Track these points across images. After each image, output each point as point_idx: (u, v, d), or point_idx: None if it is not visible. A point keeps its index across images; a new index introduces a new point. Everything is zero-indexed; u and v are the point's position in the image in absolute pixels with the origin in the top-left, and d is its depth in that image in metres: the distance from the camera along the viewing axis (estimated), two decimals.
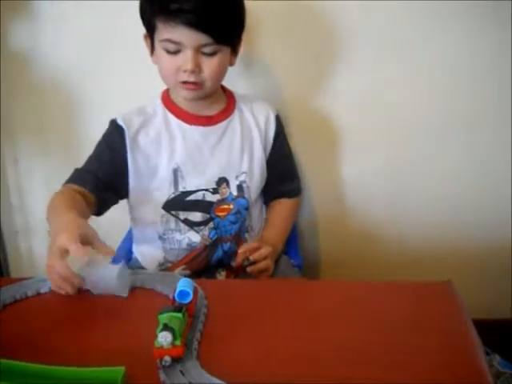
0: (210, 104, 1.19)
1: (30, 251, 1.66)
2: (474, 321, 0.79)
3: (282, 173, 1.30)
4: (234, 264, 1.18)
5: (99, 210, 1.12)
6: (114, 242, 1.31)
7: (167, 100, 1.19)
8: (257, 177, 1.24)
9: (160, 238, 1.20)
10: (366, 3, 1.31)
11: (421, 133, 1.45)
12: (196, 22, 1.02)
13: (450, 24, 1.34)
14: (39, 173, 1.57)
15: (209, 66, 1.08)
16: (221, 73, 1.13)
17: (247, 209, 1.23)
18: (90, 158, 1.17)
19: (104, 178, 1.13)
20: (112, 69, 1.42)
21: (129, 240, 1.34)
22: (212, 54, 1.07)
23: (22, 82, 1.46)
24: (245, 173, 1.21)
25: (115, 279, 0.81)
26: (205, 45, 1.05)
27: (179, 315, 0.70)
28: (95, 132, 1.46)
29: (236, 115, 1.22)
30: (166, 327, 0.67)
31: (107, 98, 1.45)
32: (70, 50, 1.42)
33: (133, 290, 0.87)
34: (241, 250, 1.13)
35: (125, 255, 1.30)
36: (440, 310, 0.80)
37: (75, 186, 1.09)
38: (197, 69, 1.07)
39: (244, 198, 1.21)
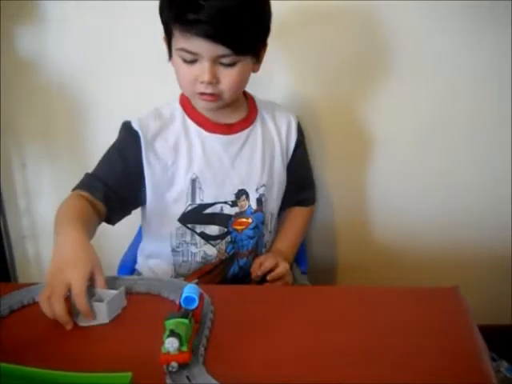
0: (231, 112, 1.13)
1: (38, 255, 1.67)
2: (480, 326, 0.78)
3: (298, 181, 1.27)
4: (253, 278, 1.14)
5: (110, 219, 1.08)
6: (119, 248, 1.32)
7: (187, 105, 1.13)
8: (276, 190, 1.19)
9: (173, 250, 1.15)
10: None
11: (440, 142, 1.46)
12: (213, 34, 0.96)
13: (449, 24, 1.35)
14: (46, 177, 1.58)
15: (227, 77, 1.02)
16: (241, 83, 1.07)
17: (263, 223, 1.18)
18: (102, 164, 1.11)
19: (116, 188, 1.07)
20: (117, 71, 1.42)
21: (133, 250, 1.30)
22: (231, 65, 1.01)
23: (28, 86, 1.47)
24: (264, 185, 1.16)
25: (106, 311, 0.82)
26: (223, 56, 0.99)
27: (186, 321, 0.70)
28: (101, 135, 1.47)
29: (258, 124, 1.17)
30: (172, 333, 0.67)
31: (113, 101, 1.46)
32: (76, 54, 1.42)
33: (139, 295, 0.88)
34: (255, 268, 1.11)
35: (131, 266, 1.26)
36: (446, 316, 0.80)
37: (84, 193, 1.04)
38: (214, 80, 1.01)
39: (262, 211, 1.17)
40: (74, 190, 1.07)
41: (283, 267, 1.10)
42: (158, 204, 1.12)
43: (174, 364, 0.67)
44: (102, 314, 0.81)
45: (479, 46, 1.36)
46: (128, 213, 1.12)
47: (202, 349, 0.72)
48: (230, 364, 0.71)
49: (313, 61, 1.39)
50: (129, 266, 1.26)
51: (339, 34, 1.37)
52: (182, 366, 0.68)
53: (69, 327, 0.80)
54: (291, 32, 1.35)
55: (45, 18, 1.39)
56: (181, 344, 0.67)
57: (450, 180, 1.49)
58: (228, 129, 1.13)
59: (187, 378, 0.67)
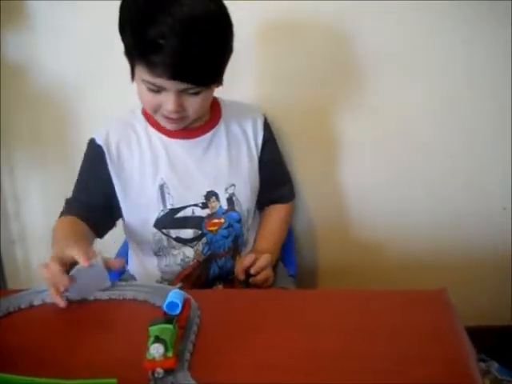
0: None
1: (27, 260, 1.66)
2: (472, 328, 0.79)
3: (272, 178, 1.28)
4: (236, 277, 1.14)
5: (99, 234, 1.13)
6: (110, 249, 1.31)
7: (148, 115, 1.14)
8: (247, 188, 1.20)
9: (155, 254, 1.18)
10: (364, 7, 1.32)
11: (421, 137, 1.46)
12: (176, 75, 0.96)
13: (451, 32, 1.35)
14: (35, 182, 1.58)
15: (192, 104, 1.04)
16: (206, 106, 1.10)
17: (240, 221, 1.20)
18: (78, 186, 1.17)
19: (96, 204, 1.13)
20: (108, 78, 1.42)
21: (124, 252, 1.32)
22: (196, 94, 1.03)
23: (19, 92, 1.46)
24: (233, 185, 1.17)
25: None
26: (187, 88, 1.01)
27: (170, 327, 0.69)
28: None
29: (221, 126, 1.19)
30: (157, 339, 0.66)
31: (103, 107, 1.45)
32: (66, 59, 1.42)
33: (124, 302, 0.87)
34: (238, 269, 1.11)
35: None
36: (433, 319, 0.80)
37: (69, 217, 1.10)
38: (180, 109, 1.03)
39: (235, 211, 1.18)
40: (59, 218, 1.12)
41: (264, 259, 1.10)
42: (132, 212, 1.17)
43: (160, 370, 0.67)
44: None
45: (478, 45, 1.36)
46: (113, 225, 1.19)
47: (187, 354, 0.72)
48: (215, 369, 0.71)
49: (284, 62, 1.40)
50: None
51: (311, 34, 1.37)
52: (168, 372, 0.67)
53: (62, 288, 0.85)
54: (261, 34, 1.36)
55: (35, 23, 1.39)
56: (166, 350, 0.66)
57: (450, 185, 1.50)
58: (190, 133, 1.15)
59: None
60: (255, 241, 1.25)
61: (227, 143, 1.18)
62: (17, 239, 1.64)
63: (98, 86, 1.44)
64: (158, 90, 1.01)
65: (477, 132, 1.44)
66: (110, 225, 1.17)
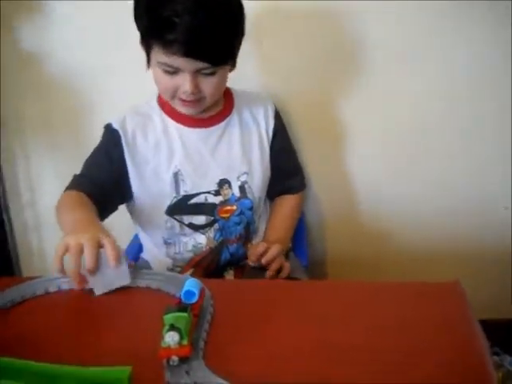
0: (209, 107, 1.16)
1: (41, 247, 1.67)
2: (484, 321, 0.78)
3: (283, 168, 1.29)
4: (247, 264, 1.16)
5: (101, 215, 1.09)
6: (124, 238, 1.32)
7: (164, 103, 1.17)
8: (258, 176, 1.22)
9: (165, 242, 1.20)
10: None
11: (429, 131, 1.45)
12: (191, 52, 0.99)
13: (452, 29, 1.35)
14: (49, 169, 1.59)
15: (208, 85, 1.06)
16: (221, 88, 1.12)
17: (251, 209, 1.21)
18: (88, 164, 1.16)
19: (103, 185, 1.12)
20: (120, 64, 1.42)
21: (134, 247, 1.33)
22: (211, 74, 1.05)
23: (31, 79, 1.47)
24: (246, 173, 1.20)
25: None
26: (203, 68, 1.03)
27: (185, 315, 0.70)
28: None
29: (234, 115, 1.21)
30: (172, 327, 0.67)
31: (115, 94, 1.46)
32: (78, 46, 1.43)
33: (138, 290, 0.88)
34: (251, 254, 1.12)
35: (136, 254, 1.30)
36: (447, 311, 0.80)
37: (74, 192, 1.08)
38: (196, 90, 1.05)
39: (247, 198, 1.20)
40: (68, 187, 1.11)
41: (274, 249, 1.12)
42: (145, 199, 1.17)
43: (175, 358, 0.67)
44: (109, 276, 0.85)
45: (478, 46, 1.35)
46: (115, 209, 1.17)
47: (201, 343, 0.72)
48: (229, 359, 0.71)
49: (299, 51, 1.39)
50: (134, 253, 1.31)
51: (317, 28, 1.36)
52: (182, 361, 0.67)
53: (80, 287, 0.85)
54: (265, 27, 1.35)
55: (47, 11, 1.39)
56: (181, 338, 0.67)
57: (447, 170, 1.50)
58: (205, 123, 1.18)
59: (186, 372, 0.67)
60: (266, 230, 1.26)
61: (240, 132, 1.21)
62: (31, 226, 1.65)
63: (110, 75, 1.44)
64: (174, 71, 1.03)
65: (474, 129, 1.44)
66: (114, 208, 1.16)
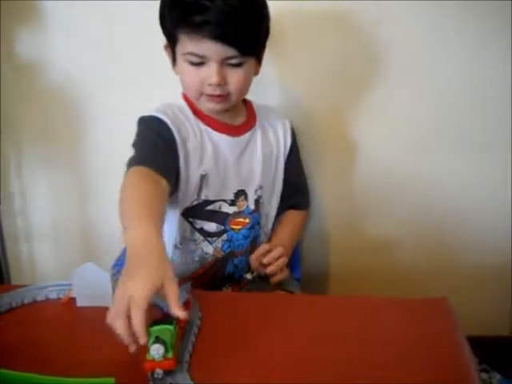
0: (234, 115, 1.16)
1: (31, 257, 1.66)
2: (474, 338, 0.78)
3: (293, 185, 1.28)
4: (246, 276, 1.14)
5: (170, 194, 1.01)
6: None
7: (192, 105, 1.14)
8: (273, 191, 1.23)
9: (176, 247, 1.16)
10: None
11: (433, 147, 1.45)
12: (221, 35, 0.98)
13: (451, 36, 1.35)
14: (42, 179, 1.57)
15: (234, 77, 1.04)
16: (246, 84, 1.10)
17: (259, 224, 1.21)
18: (143, 145, 1.04)
19: (167, 162, 1.02)
20: (117, 76, 1.43)
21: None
22: (237, 66, 1.03)
23: (28, 89, 1.47)
24: (262, 187, 1.19)
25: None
26: (230, 57, 1.02)
27: (171, 327, 0.70)
28: (100, 139, 1.47)
29: (258, 127, 1.20)
30: (157, 340, 0.67)
31: (112, 106, 1.45)
32: (76, 57, 1.42)
33: None
34: (252, 257, 1.11)
35: None
36: (432, 327, 0.80)
37: (145, 168, 0.94)
38: (222, 82, 1.03)
39: (259, 213, 1.20)
40: (130, 166, 0.96)
41: (277, 250, 1.10)
42: (176, 194, 1.10)
43: (159, 371, 0.67)
44: None
45: (480, 51, 1.36)
46: (177, 189, 1.09)
47: (187, 355, 0.72)
48: (215, 371, 0.70)
49: (308, 67, 1.40)
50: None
51: (334, 38, 1.37)
52: (167, 373, 0.67)
53: (131, 349, 0.69)
54: (284, 35, 1.35)
55: (47, 22, 1.39)
56: (166, 351, 0.66)
57: (447, 185, 1.49)
58: (234, 131, 1.16)
59: None
60: (269, 238, 1.24)
61: (262, 144, 1.20)
62: (22, 235, 1.64)
63: (109, 85, 1.44)
64: (200, 61, 1.02)
65: (475, 134, 1.44)
66: (176, 187, 1.07)
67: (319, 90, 1.42)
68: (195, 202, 1.13)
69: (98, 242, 1.60)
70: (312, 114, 1.43)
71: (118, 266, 1.25)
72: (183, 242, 1.16)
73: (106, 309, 0.83)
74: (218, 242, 1.17)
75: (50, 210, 1.59)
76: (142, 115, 1.09)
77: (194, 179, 1.12)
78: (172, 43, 1.06)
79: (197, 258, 1.17)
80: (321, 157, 1.47)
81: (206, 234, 1.16)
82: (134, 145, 1.04)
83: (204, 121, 1.13)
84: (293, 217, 1.31)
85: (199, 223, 1.15)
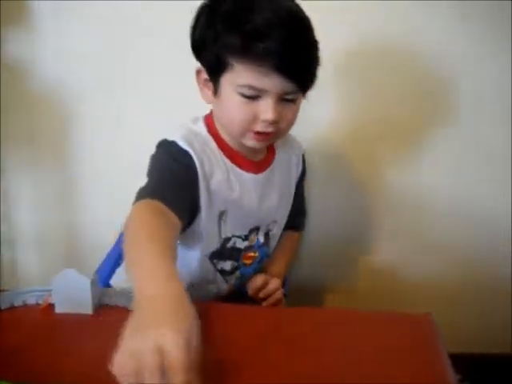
0: (257, 149, 1.04)
1: (13, 262, 1.64)
2: (455, 354, 0.78)
3: (296, 207, 1.23)
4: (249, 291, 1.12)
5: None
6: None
7: (218, 137, 1.02)
8: (283, 223, 1.18)
9: (192, 287, 1.06)
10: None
11: (435, 159, 1.47)
12: (285, 68, 0.88)
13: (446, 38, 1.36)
14: (26, 184, 1.56)
15: (287, 114, 0.95)
16: (294, 122, 1.00)
17: (267, 255, 1.18)
18: (159, 174, 0.95)
19: (182, 197, 0.93)
20: (104, 82, 1.43)
21: (109, 264, 1.22)
22: (291, 101, 0.94)
23: (17, 93, 1.46)
24: (275, 221, 1.14)
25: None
26: (288, 92, 0.92)
27: None
28: (85, 145, 1.46)
29: (277, 161, 1.11)
30: None
31: (98, 112, 1.46)
32: (67, 64, 1.43)
33: (115, 308, 0.86)
34: (251, 289, 1.09)
35: (104, 281, 1.15)
36: (415, 343, 0.80)
37: (156, 203, 0.85)
38: (278, 118, 0.93)
39: (268, 246, 1.16)
40: (140, 197, 0.88)
41: (274, 284, 1.10)
42: (196, 233, 1.02)
43: None
44: None
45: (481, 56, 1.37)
46: (189, 226, 1.00)
47: None
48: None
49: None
50: (102, 280, 1.16)
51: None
52: None
53: None
54: None
55: (36, 25, 1.39)
56: None
57: (448, 199, 1.51)
58: (257, 167, 1.07)
59: None
60: (267, 263, 1.21)
61: (279, 179, 1.12)
62: (5, 241, 1.62)
63: (97, 90, 1.44)
64: (256, 94, 0.91)
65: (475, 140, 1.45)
66: (189, 224, 0.99)
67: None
68: (218, 244, 1.06)
69: (82, 247, 1.59)
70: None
71: (102, 272, 1.22)
72: (202, 282, 1.08)
73: (85, 316, 0.84)
74: (232, 279, 1.13)
75: (33, 214, 1.58)
76: (165, 139, 0.98)
77: (214, 217, 1.03)
78: (217, 71, 0.93)
79: (212, 296, 1.12)
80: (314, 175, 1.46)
81: (225, 273, 1.11)
82: (150, 173, 0.95)
83: (231, 158, 1.03)
84: (291, 241, 1.29)
85: (221, 264, 1.09)
